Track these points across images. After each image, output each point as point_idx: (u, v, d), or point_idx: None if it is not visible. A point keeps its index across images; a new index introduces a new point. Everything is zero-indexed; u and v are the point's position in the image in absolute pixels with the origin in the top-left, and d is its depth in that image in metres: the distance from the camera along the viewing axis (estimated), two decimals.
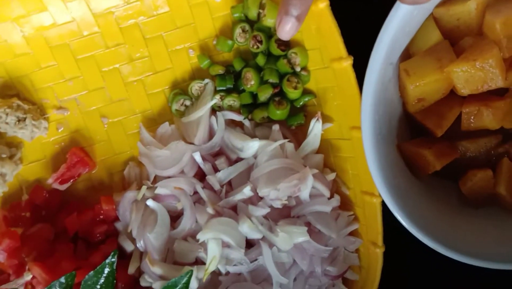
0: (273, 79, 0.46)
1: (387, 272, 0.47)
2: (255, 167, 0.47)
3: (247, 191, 0.46)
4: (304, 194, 0.45)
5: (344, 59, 0.42)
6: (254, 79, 0.46)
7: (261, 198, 0.47)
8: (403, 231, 0.42)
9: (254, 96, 0.48)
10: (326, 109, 0.47)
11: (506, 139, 0.46)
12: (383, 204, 0.44)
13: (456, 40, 0.43)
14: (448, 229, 0.45)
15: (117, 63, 0.48)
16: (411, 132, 0.49)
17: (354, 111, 0.42)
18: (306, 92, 0.48)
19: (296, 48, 0.46)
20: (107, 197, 0.50)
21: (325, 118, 0.47)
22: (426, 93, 0.43)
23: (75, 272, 0.43)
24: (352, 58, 0.42)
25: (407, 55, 0.44)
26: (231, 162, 0.49)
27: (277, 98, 0.47)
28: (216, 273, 0.47)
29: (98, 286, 0.44)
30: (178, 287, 0.44)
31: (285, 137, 0.47)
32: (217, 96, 0.48)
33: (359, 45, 0.41)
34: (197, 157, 0.47)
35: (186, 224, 0.47)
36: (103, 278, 0.44)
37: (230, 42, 0.48)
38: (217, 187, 0.47)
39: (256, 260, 0.46)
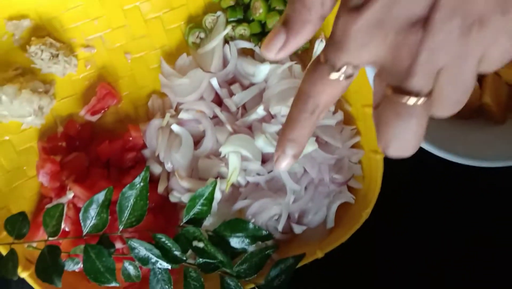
0: (279, 6, 0.51)
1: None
2: (266, 89, 0.52)
3: (260, 111, 0.50)
4: None
5: None
6: (262, 7, 0.51)
7: (273, 117, 0.51)
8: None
9: (262, 25, 0.53)
10: (328, 32, 0.51)
11: None
12: None
13: None
14: (442, 136, 0.50)
15: (137, 1, 0.53)
16: None
17: None
18: None
19: None
20: (134, 125, 0.55)
21: (325, 40, 0.52)
22: None
23: (113, 187, 0.48)
24: None
25: None
26: (244, 88, 0.53)
27: None
28: (236, 186, 0.53)
29: (133, 199, 0.49)
30: (204, 196, 0.49)
31: (292, 61, 0.52)
32: (229, 27, 0.52)
33: None
34: (214, 82, 0.52)
35: (208, 143, 0.52)
36: (138, 191, 0.49)
37: None
38: (233, 109, 0.52)
39: (271, 171, 0.51)
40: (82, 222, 0.48)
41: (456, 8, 0.26)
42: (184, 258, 0.50)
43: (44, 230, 0.48)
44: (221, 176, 0.52)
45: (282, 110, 0.50)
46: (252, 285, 0.53)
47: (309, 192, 0.52)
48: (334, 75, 0.30)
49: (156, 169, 0.54)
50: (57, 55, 0.51)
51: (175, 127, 0.52)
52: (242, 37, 0.53)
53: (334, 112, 0.52)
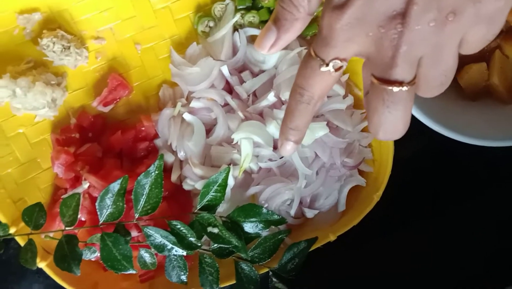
0: None
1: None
2: (276, 75, 0.52)
3: (271, 97, 0.50)
4: None
5: None
6: None
7: (283, 103, 0.51)
8: None
9: (271, 12, 0.52)
10: None
11: (498, 34, 0.51)
12: None
13: None
14: (450, 117, 0.50)
15: None
16: None
17: None
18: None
19: None
20: (146, 115, 0.55)
21: None
22: None
23: (128, 176, 0.48)
24: None
25: None
26: (255, 75, 0.53)
27: None
28: (248, 172, 0.53)
29: (148, 187, 0.49)
30: (218, 183, 0.49)
31: (301, 46, 0.52)
32: (238, 15, 0.52)
33: None
34: (225, 70, 0.52)
35: (220, 130, 0.52)
36: (153, 179, 0.49)
37: None
38: (244, 96, 0.52)
39: (282, 157, 0.51)
40: (98, 211, 0.48)
41: (431, 1, 0.27)
42: (199, 244, 0.50)
43: (61, 220, 0.48)
44: (233, 163, 0.52)
45: None
46: (266, 269, 0.53)
47: (321, 176, 0.52)
48: (324, 69, 0.32)
49: (169, 158, 0.54)
50: (68, 47, 0.51)
51: (187, 116, 0.52)
52: (251, 24, 0.53)
53: (344, 97, 0.52)
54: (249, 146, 0.49)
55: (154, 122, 0.54)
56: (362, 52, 0.31)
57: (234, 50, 0.53)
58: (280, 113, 0.50)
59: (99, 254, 0.50)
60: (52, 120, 0.54)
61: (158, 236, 0.49)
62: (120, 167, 0.53)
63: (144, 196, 0.49)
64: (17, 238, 0.50)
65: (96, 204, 0.47)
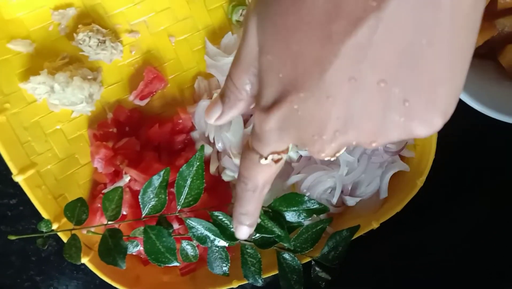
0: None
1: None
2: None
3: None
4: None
5: None
6: None
7: None
8: None
9: None
10: None
11: None
12: None
13: None
14: (492, 97, 0.48)
15: None
16: None
17: None
18: None
19: None
20: (183, 108, 0.54)
21: None
22: None
23: (169, 168, 0.48)
24: None
25: None
26: None
27: None
28: (287, 162, 0.51)
29: (190, 178, 0.48)
30: None
31: None
32: None
33: None
34: None
35: None
36: (194, 171, 0.48)
37: None
38: None
39: None
40: (141, 204, 0.47)
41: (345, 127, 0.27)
42: None
43: (104, 214, 0.47)
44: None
45: None
46: (308, 259, 0.52)
47: (362, 163, 0.50)
48: (264, 162, 0.32)
49: (207, 150, 0.53)
50: (104, 42, 0.50)
51: None
52: None
53: None
54: None
55: (191, 115, 0.54)
56: (297, 144, 0.30)
57: None
58: None
59: (141, 248, 0.50)
60: (89, 115, 0.53)
61: (200, 227, 0.48)
62: (159, 160, 0.52)
63: (186, 187, 0.48)
64: (60, 234, 0.50)
65: (139, 197, 0.47)
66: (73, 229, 0.48)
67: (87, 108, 0.51)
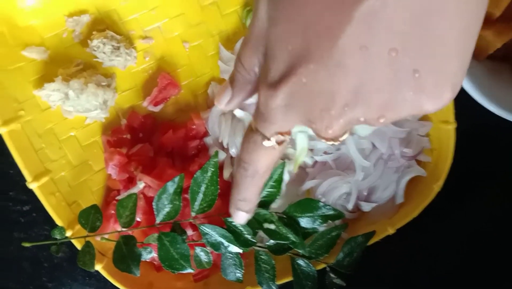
0: None
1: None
2: None
3: None
4: None
5: None
6: None
7: None
8: None
9: None
10: None
11: None
12: None
13: None
14: (508, 98, 0.47)
15: None
16: None
17: None
18: None
19: None
20: (196, 113, 0.53)
21: None
22: None
23: (183, 174, 0.47)
24: None
25: None
26: None
27: None
28: (302, 167, 0.51)
29: (204, 184, 0.47)
30: (273, 178, 0.47)
31: None
32: None
33: None
34: None
35: None
36: (208, 177, 0.47)
37: None
38: None
39: (339, 149, 0.49)
40: (155, 210, 0.46)
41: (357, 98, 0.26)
42: (255, 241, 0.48)
43: (118, 221, 0.47)
44: (286, 157, 0.50)
45: None
46: (323, 265, 0.51)
47: (379, 168, 0.49)
48: (267, 143, 0.31)
49: (220, 155, 0.52)
50: (118, 48, 0.49)
51: (238, 112, 0.50)
52: None
53: None
54: (305, 139, 0.47)
55: (204, 120, 0.53)
56: (304, 122, 0.29)
57: None
58: None
59: (154, 254, 0.49)
60: (103, 122, 0.52)
61: (214, 233, 0.47)
62: (172, 166, 0.52)
63: (200, 194, 0.47)
64: (73, 241, 0.49)
65: (153, 203, 0.46)
66: (87, 236, 0.48)
67: (101, 114, 0.50)
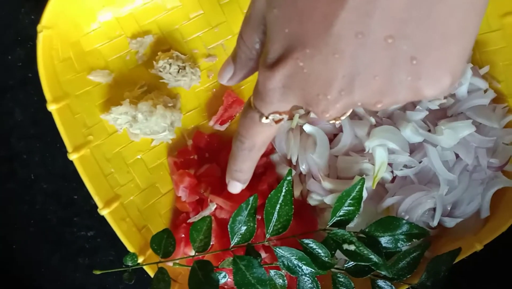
0: None
1: None
2: None
3: None
4: (463, 89, 0.44)
5: None
6: None
7: (415, 104, 0.46)
8: None
9: None
10: None
11: None
12: None
13: None
14: None
15: None
16: None
17: None
18: None
19: None
20: None
21: None
22: None
23: (257, 195, 0.45)
24: None
25: None
26: None
27: None
28: (380, 184, 0.48)
29: (279, 204, 0.45)
30: (351, 196, 0.45)
31: None
32: None
33: None
34: None
35: (346, 139, 0.47)
36: (282, 196, 0.45)
37: None
38: None
39: (420, 162, 0.46)
40: (230, 233, 0.44)
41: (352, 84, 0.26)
42: (333, 263, 0.45)
43: (191, 245, 0.45)
44: (363, 173, 0.47)
45: None
46: (406, 286, 0.47)
47: (463, 180, 0.46)
48: (265, 121, 0.31)
49: None
50: (184, 68, 0.48)
51: (307, 127, 0.48)
52: None
53: (485, 91, 0.46)
54: (384, 153, 0.44)
55: None
56: (301, 104, 0.30)
57: None
58: (415, 115, 0.45)
59: (228, 279, 0.47)
60: (169, 143, 0.51)
61: (290, 256, 0.45)
62: None
63: (275, 214, 0.45)
64: (145, 267, 0.48)
65: (229, 226, 0.44)
66: (160, 262, 0.46)
67: (168, 136, 0.49)
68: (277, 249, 0.45)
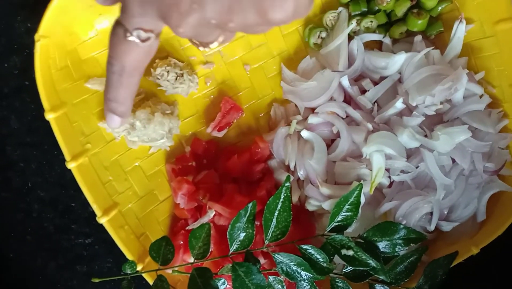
0: None
1: None
2: (403, 80, 0.47)
3: (399, 104, 0.46)
4: (458, 95, 0.45)
5: None
6: None
7: (412, 109, 0.47)
8: None
9: (388, 15, 0.48)
10: (464, 11, 0.47)
11: None
12: None
13: None
14: None
15: None
16: None
17: (499, 3, 0.42)
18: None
19: None
20: (260, 137, 0.51)
21: (465, 21, 0.47)
22: None
23: (256, 201, 0.45)
24: None
25: None
26: (374, 83, 0.49)
27: (415, 10, 0.47)
28: (377, 189, 0.48)
29: (277, 210, 0.45)
30: (349, 202, 0.45)
31: (427, 47, 0.47)
32: (354, 21, 0.48)
33: None
34: (345, 81, 0.48)
35: (344, 145, 0.47)
36: (281, 203, 0.45)
37: None
38: (369, 106, 0.48)
39: (417, 167, 0.46)
40: (229, 240, 0.44)
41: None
42: (332, 268, 0.46)
43: (190, 252, 0.45)
44: (360, 178, 0.48)
45: (426, 100, 0.45)
46: None
47: (460, 185, 0.46)
48: (130, 38, 0.31)
49: None
50: (182, 75, 0.48)
51: (305, 133, 0.49)
52: (368, 30, 0.49)
53: (480, 96, 0.47)
54: (381, 158, 0.45)
55: (269, 143, 0.51)
56: (159, 17, 0.30)
57: (349, 59, 0.49)
58: (412, 121, 0.45)
59: (228, 286, 0.47)
60: (167, 150, 0.51)
61: (289, 262, 0.45)
62: (239, 192, 0.50)
63: (273, 220, 0.45)
64: (144, 275, 0.48)
65: (228, 233, 0.44)
66: (159, 270, 0.46)
67: (166, 143, 0.49)
68: (276, 255, 0.45)
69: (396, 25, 0.48)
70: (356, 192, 0.44)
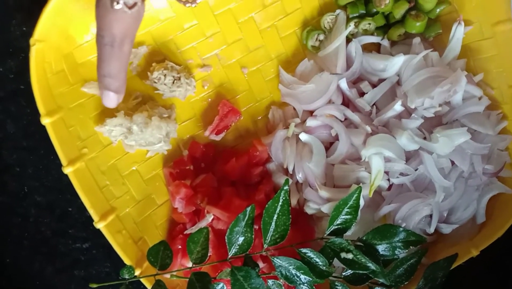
0: None
1: None
2: (402, 82, 0.47)
3: (398, 107, 0.46)
4: (457, 97, 0.45)
5: None
6: None
7: (411, 112, 0.47)
8: None
9: (386, 17, 0.48)
10: (463, 13, 0.46)
11: None
12: None
13: None
14: None
15: (252, 12, 0.50)
16: None
17: (497, 4, 0.42)
18: (440, 1, 0.48)
19: None
20: (258, 140, 0.51)
21: (463, 23, 0.47)
22: None
23: (254, 205, 0.45)
24: None
25: None
26: (373, 85, 0.49)
27: (413, 12, 0.47)
28: (377, 192, 0.48)
29: (276, 214, 0.45)
30: (349, 205, 0.45)
31: (426, 49, 0.47)
32: (352, 23, 0.48)
33: None
34: (343, 84, 0.47)
35: (342, 148, 0.47)
36: (279, 206, 0.45)
37: None
38: (367, 108, 0.47)
39: (416, 170, 0.46)
40: (228, 244, 0.44)
41: None
42: (331, 272, 0.45)
43: (189, 257, 0.45)
44: (359, 181, 0.47)
45: (425, 102, 0.45)
46: None
47: (459, 187, 0.46)
48: (116, 6, 0.31)
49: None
50: (179, 78, 0.48)
51: (303, 136, 0.48)
52: (366, 32, 0.49)
53: (480, 98, 0.46)
54: (380, 161, 0.45)
55: (267, 146, 0.51)
56: None
57: (347, 62, 0.49)
58: (411, 123, 0.45)
59: None
60: (164, 154, 0.51)
61: (288, 266, 0.45)
62: (238, 196, 0.50)
63: (272, 224, 0.45)
64: (143, 280, 0.47)
65: (226, 237, 0.44)
66: (157, 274, 0.46)
67: (164, 147, 0.49)
68: (275, 259, 0.45)
69: (395, 27, 0.48)
70: (355, 195, 0.44)
